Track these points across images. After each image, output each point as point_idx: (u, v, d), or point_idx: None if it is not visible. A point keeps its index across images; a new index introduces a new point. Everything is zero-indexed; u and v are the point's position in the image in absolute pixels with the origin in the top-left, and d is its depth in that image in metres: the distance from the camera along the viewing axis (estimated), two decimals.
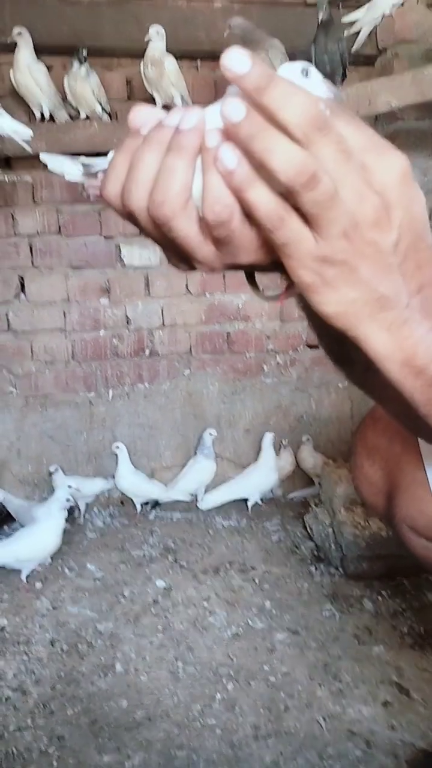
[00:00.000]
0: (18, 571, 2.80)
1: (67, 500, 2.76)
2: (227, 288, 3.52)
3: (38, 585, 2.74)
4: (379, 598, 2.57)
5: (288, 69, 0.51)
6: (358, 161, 0.46)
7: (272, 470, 3.39)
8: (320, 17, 2.71)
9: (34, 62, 2.86)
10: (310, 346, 3.63)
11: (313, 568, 2.83)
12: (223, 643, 2.32)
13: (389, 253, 0.49)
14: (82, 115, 2.96)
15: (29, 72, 2.85)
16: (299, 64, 0.51)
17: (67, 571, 2.85)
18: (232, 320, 3.55)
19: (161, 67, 2.83)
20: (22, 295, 3.37)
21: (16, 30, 2.79)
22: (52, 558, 2.90)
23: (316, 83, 0.50)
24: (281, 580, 2.77)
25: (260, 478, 3.40)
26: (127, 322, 3.48)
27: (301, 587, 2.70)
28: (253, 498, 3.40)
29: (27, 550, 2.69)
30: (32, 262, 3.35)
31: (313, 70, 0.51)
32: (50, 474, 3.31)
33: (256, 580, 2.76)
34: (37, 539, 2.72)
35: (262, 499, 3.45)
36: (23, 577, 2.73)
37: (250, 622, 2.45)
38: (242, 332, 3.59)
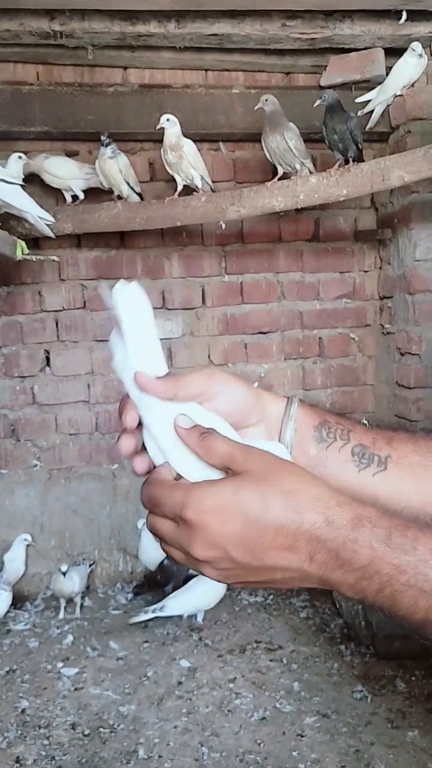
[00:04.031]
0: (36, 651, 2.75)
1: None
2: (249, 358, 3.55)
3: (60, 665, 2.66)
4: (413, 678, 2.47)
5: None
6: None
7: None
8: (316, 104, 2.87)
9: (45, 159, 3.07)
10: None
11: (342, 647, 2.73)
12: (249, 728, 2.22)
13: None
14: (115, 194, 3.07)
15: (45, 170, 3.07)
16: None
17: (89, 650, 2.77)
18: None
19: (180, 151, 2.94)
20: (47, 368, 3.42)
21: None
22: (74, 636, 2.84)
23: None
24: (310, 659, 2.66)
25: None
26: None
27: (330, 667, 2.59)
28: None
29: (202, 598, 2.93)
30: (58, 337, 3.41)
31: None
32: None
33: (284, 660, 2.66)
34: (209, 586, 2.89)
35: None
36: (200, 619, 2.93)
37: (277, 705, 2.35)
38: None
